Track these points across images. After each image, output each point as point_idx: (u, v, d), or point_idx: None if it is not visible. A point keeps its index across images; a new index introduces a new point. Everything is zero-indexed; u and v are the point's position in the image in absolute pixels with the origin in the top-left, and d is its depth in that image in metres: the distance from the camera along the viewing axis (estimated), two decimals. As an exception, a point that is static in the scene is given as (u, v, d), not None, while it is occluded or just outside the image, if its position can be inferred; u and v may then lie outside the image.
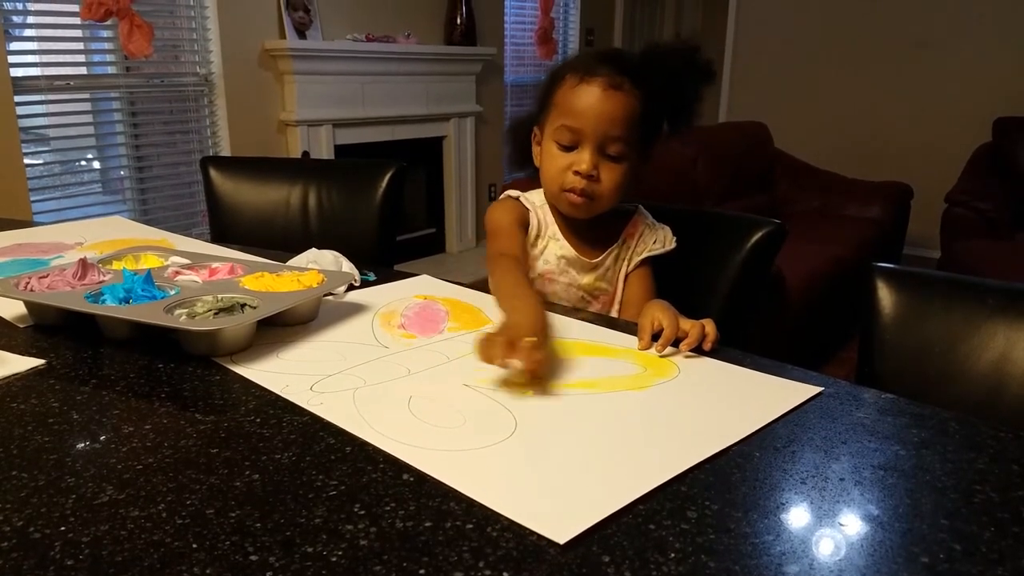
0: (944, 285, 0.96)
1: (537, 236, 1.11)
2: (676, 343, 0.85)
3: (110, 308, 0.84)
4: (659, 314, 0.86)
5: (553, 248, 1.10)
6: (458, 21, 4.07)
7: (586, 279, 1.11)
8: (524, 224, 1.11)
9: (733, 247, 1.15)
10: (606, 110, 0.99)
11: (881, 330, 0.96)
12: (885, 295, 0.96)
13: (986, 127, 3.76)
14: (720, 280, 1.15)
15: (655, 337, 0.85)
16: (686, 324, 0.85)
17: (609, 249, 1.11)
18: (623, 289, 1.13)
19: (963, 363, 0.90)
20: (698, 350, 0.84)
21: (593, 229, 1.11)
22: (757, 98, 4.97)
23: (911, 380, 0.92)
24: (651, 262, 1.12)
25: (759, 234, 1.14)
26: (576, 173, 1.02)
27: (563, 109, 1.02)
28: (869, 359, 0.97)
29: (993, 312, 0.89)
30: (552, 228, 1.11)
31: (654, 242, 1.12)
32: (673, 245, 1.12)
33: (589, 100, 1.00)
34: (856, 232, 3.36)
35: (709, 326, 0.85)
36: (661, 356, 0.83)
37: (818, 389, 0.74)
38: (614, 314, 1.12)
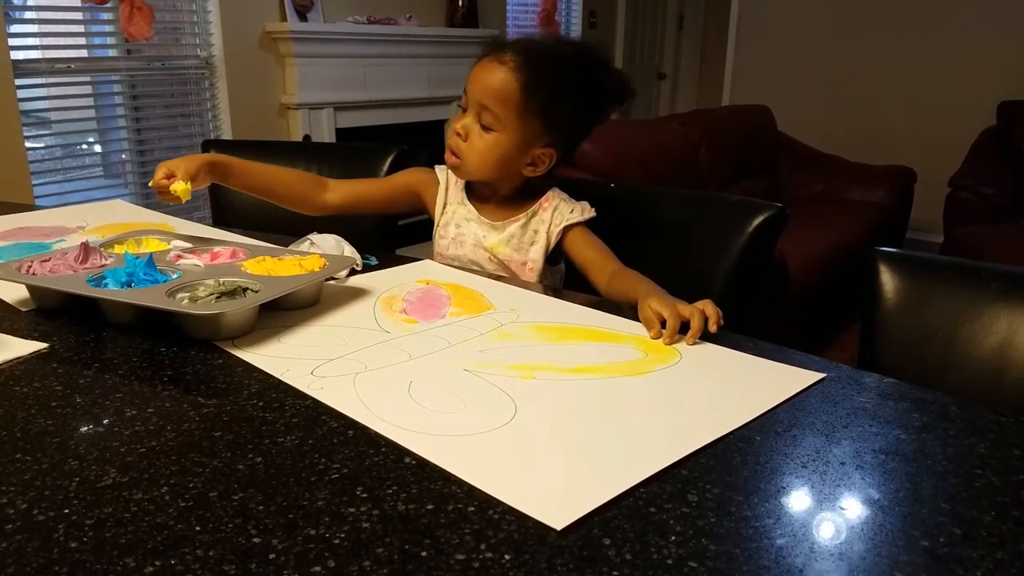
0: (947, 269, 0.95)
1: (445, 204, 1.20)
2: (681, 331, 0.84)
3: (112, 292, 0.84)
4: (656, 305, 0.86)
5: (460, 211, 1.19)
6: (460, 3, 4.04)
7: (490, 241, 1.15)
8: (416, 190, 1.23)
9: (734, 231, 1.14)
10: (483, 79, 1.07)
11: (883, 314, 0.95)
12: (887, 279, 0.96)
13: (990, 111, 3.73)
14: (721, 264, 1.14)
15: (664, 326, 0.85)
16: (685, 310, 0.85)
17: (515, 217, 1.15)
18: (566, 259, 1.16)
19: (965, 348, 0.89)
20: (704, 332, 0.84)
21: (501, 200, 1.17)
22: (761, 81, 4.94)
23: (913, 365, 0.92)
24: (589, 229, 1.14)
25: (760, 218, 1.13)
26: (457, 134, 1.10)
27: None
28: (871, 344, 0.96)
29: (996, 297, 0.89)
30: (461, 195, 1.19)
31: (571, 212, 1.14)
32: (592, 214, 1.14)
33: (477, 70, 1.09)
34: (859, 216, 3.35)
35: (709, 308, 0.85)
36: (669, 345, 0.83)
37: (821, 375, 0.74)
38: (531, 278, 1.14)
